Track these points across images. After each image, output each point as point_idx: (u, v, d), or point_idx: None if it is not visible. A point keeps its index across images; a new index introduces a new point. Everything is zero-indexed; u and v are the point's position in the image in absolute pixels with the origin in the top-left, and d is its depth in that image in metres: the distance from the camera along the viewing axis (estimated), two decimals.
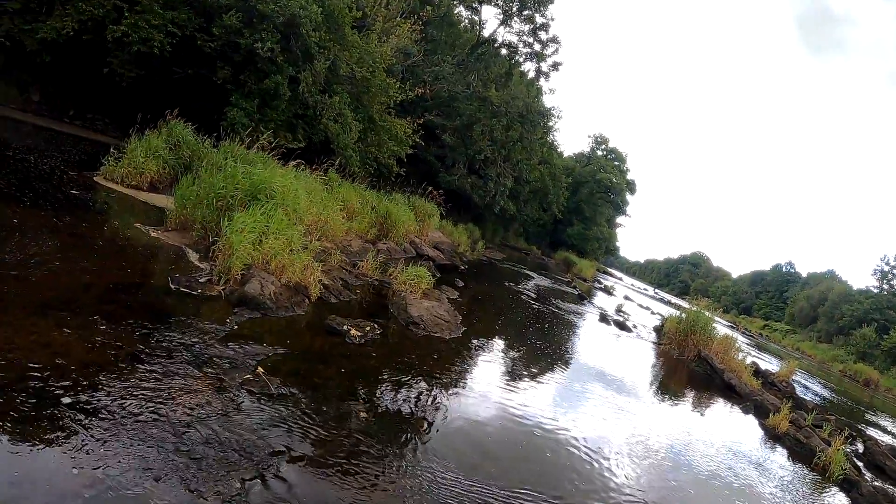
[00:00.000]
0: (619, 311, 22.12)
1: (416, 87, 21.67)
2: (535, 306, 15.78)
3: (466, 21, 31.82)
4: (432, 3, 28.05)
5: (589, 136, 72.33)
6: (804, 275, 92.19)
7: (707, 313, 15.63)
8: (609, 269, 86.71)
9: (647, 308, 31.18)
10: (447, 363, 7.07)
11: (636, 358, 13.44)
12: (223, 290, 6.33)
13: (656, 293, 75.84)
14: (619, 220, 64.99)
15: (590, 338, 14.35)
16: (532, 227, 51.13)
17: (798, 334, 67.10)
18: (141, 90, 13.65)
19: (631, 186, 62.36)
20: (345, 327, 6.54)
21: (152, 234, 7.65)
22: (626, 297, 33.19)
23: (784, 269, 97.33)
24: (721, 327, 16.32)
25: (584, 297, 23.45)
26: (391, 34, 22.85)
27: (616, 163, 60.42)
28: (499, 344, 9.65)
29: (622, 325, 17.47)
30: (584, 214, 55.82)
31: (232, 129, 12.93)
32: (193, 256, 7.30)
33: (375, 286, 10.12)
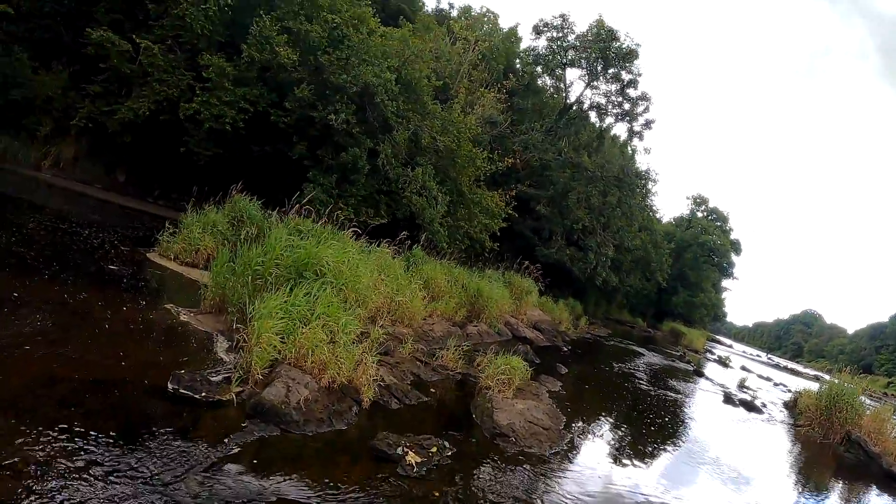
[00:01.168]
0: (741, 386, 19.12)
1: (505, 158, 20.56)
2: (650, 392, 13.04)
3: (551, 88, 30.85)
4: (515, 72, 27.55)
5: (687, 198, 68.14)
6: None
7: (850, 385, 12.78)
8: (717, 337, 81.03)
9: (769, 379, 28.07)
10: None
11: (775, 447, 11.15)
12: (240, 393, 4.71)
13: (770, 359, 70.24)
14: (726, 283, 59.87)
15: (719, 428, 11.52)
16: (635, 297, 47.07)
17: None
18: (221, 168, 13.43)
19: (736, 247, 57.41)
20: (399, 449, 4.56)
21: (181, 318, 6.36)
22: (744, 368, 30.29)
23: None
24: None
25: (701, 374, 20.67)
26: (475, 104, 22.20)
27: (718, 223, 55.89)
28: (612, 458, 7.08)
29: (750, 406, 14.90)
30: (689, 280, 51.30)
31: (309, 205, 12.25)
32: (221, 346, 5.83)
33: (457, 381, 8.14)
